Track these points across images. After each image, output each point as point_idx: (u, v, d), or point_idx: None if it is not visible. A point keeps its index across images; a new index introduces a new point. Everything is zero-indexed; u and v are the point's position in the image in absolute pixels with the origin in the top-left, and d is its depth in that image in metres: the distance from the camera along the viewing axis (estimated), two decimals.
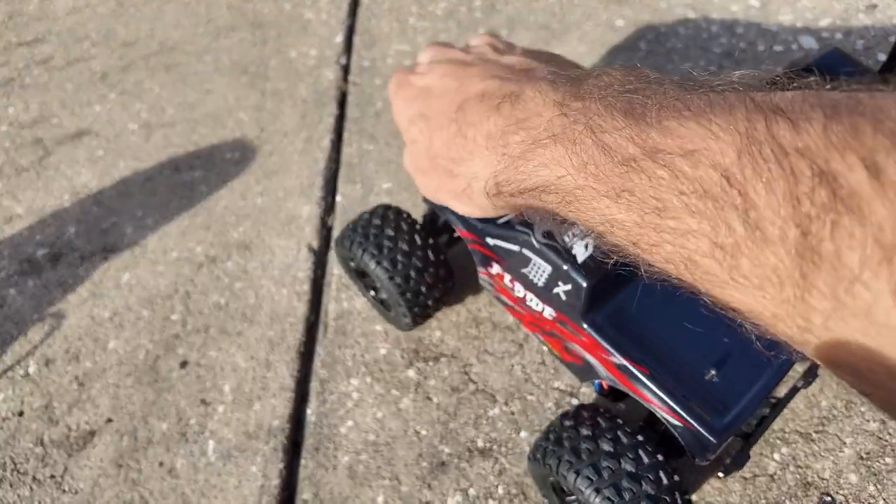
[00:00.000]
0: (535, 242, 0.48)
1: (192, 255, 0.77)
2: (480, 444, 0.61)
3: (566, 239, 0.47)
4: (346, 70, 0.95)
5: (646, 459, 0.45)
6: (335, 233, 0.78)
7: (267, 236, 0.78)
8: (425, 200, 0.59)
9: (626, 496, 0.43)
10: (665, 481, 0.44)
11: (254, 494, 0.60)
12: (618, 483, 0.44)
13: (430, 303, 0.61)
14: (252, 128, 0.89)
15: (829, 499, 0.57)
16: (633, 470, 0.44)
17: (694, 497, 0.57)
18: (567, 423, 0.48)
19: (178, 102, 0.93)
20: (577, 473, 0.45)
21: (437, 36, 0.97)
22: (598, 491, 0.44)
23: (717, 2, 0.96)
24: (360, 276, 0.67)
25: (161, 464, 0.63)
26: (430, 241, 0.61)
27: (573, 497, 0.48)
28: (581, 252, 0.47)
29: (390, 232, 0.59)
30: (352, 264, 0.65)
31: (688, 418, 0.43)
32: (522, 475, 0.59)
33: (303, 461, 0.62)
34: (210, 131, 0.89)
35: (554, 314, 0.51)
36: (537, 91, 0.39)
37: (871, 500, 0.56)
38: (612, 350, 0.46)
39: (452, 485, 0.59)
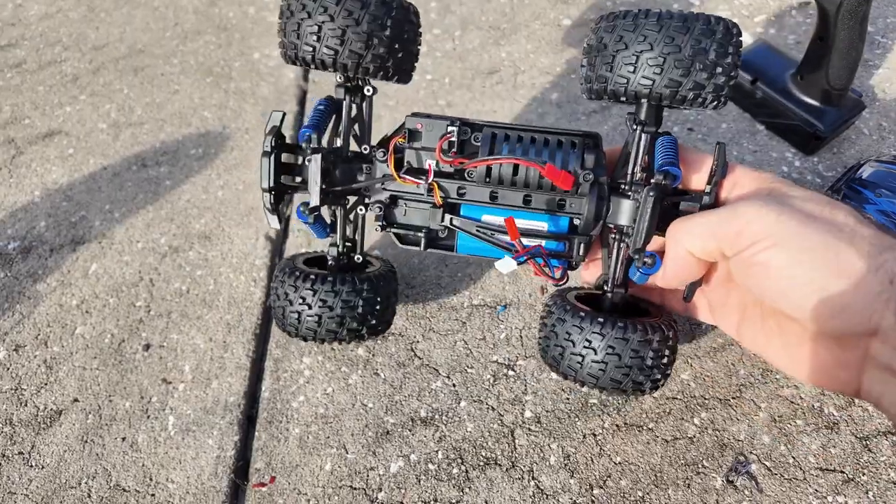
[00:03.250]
0: None
1: (156, 246, 0.81)
2: (423, 413, 0.65)
3: None
4: (306, 70, 0.99)
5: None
6: (291, 222, 0.82)
7: (227, 226, 0.82)
8: None
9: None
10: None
11: (210, 464, 0.64)
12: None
13: None
14: (215, 125, 0.93)
15: (742, 458, 0.62)
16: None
17: (618, 459, 0.62)
18: None
19: (146, 102, 0.97)
20: None
21: None
22: None
23: (660, 0, 1.01)
24: None
25: (124, 439, 0.67)
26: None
27: None
28: None
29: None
30: None
31: None
32: (461, 441, 0.63)
33: (256, 433, 0.66)
34: (175, 129, 0.93)
35: None
36: None
37: (782, 459, 0.61)
38: None
39: (395, 451, 0.63)
